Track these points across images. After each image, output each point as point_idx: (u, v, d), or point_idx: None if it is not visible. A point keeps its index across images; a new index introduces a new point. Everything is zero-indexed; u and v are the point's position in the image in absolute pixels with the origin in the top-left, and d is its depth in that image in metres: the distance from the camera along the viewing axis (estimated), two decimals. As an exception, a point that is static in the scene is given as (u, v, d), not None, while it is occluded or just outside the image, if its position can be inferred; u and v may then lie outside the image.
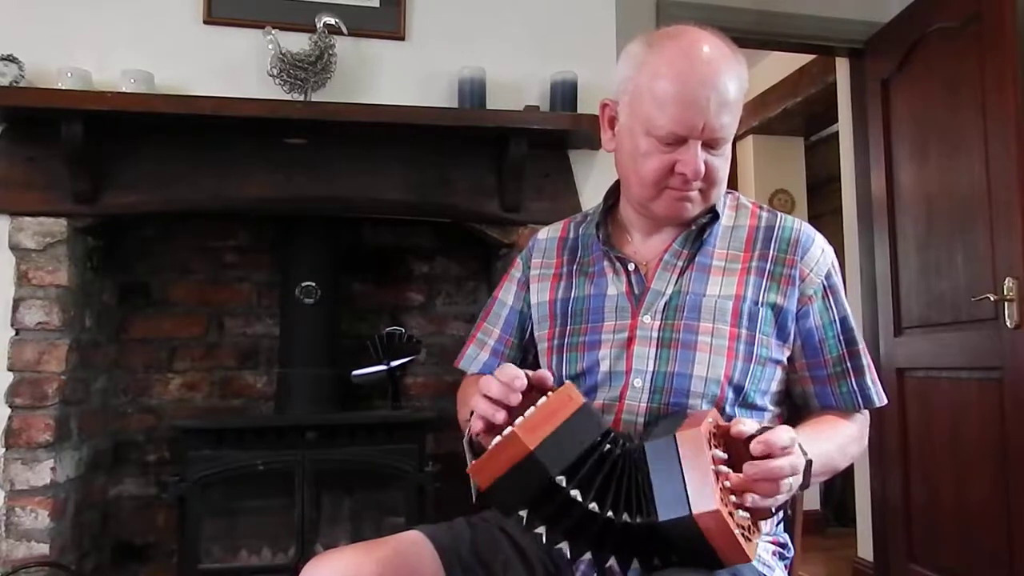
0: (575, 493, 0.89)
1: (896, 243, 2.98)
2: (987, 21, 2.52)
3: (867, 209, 3.18)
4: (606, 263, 1.22)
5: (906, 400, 2.90)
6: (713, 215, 1.18)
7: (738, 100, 1.10)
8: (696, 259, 1.17)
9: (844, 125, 3.43)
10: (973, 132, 2.57)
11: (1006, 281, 2.42)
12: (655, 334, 1.13)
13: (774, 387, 1.16)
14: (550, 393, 0.96)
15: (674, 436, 0.90)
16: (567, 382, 1.01)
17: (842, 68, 3.43)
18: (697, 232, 1.18)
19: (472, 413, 1.01)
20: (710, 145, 1.10)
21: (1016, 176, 2.39)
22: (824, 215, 4.86)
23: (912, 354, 2.89)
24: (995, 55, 2.48)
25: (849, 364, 1.17)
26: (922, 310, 2.84)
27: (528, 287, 1.30)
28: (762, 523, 0.97)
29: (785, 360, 1.16)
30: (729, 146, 1.14)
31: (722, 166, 1.13)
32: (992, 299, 2.46)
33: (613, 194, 1.27)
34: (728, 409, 1.11)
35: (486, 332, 1.33)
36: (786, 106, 4.34)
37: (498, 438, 0.90)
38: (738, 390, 1.11)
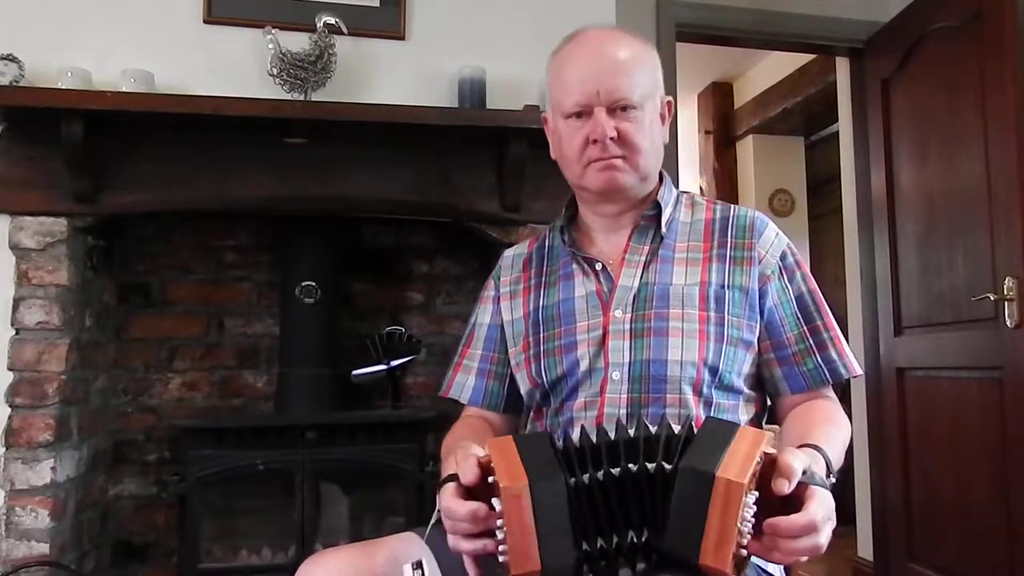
0: (602, 544, 0.87)
1: (896, 243, 2.98)
2: (987, 21, 2.52)
3: (867, 209, 3.18)
4: (575, 265, 1.25)
5: (906, 400, 2.91)
6: (656, 207, 1.22)
7: (634, 65, 1.18)
8: (659, 253, 1.21)
9: (844, 125, 3.43)
10: (973, 132, 2.57)
11: (1006, 281, 2.42)
12: (627, 326, 1.15)
13: (748, 369, 1.17)
14: (490, 479, 0.87)
15: (713, 476, 0.82)
16: (491, 449, 0.90)
17: (842, 68, 3.43)
18: (653, 227, 1.22)
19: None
20: (617, 110, 1.16)
21: (1016, 176, 2.39)
22: (824, 215, 4.87)
23: (912, 354, 2.89)
24: (995, 55, 2.48)
25: (811, 340, 1.18)
26: (922, 310, 2.84)
27: (500, 303, 1.32)
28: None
29: (756, 343, 1.18)
30: (645, 115, 1.18)
31: (637, 131, 1.16)
32: (992, 299, 2.46)
33: (573, 203, 1.31)
34: (706, 391, 1.13)
35: (471, 357, 1.33)
36: (786, 106, 4.34)
37: (502, 559, 0.85)
38: (714, 371, 1.13)
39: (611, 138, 1.15)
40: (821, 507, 0.85)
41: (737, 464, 0.82)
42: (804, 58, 3.98)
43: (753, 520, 0.83)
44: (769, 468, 0.85)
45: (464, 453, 0.96)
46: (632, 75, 1.16)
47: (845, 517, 3.54)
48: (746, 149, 4.93)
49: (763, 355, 1.19)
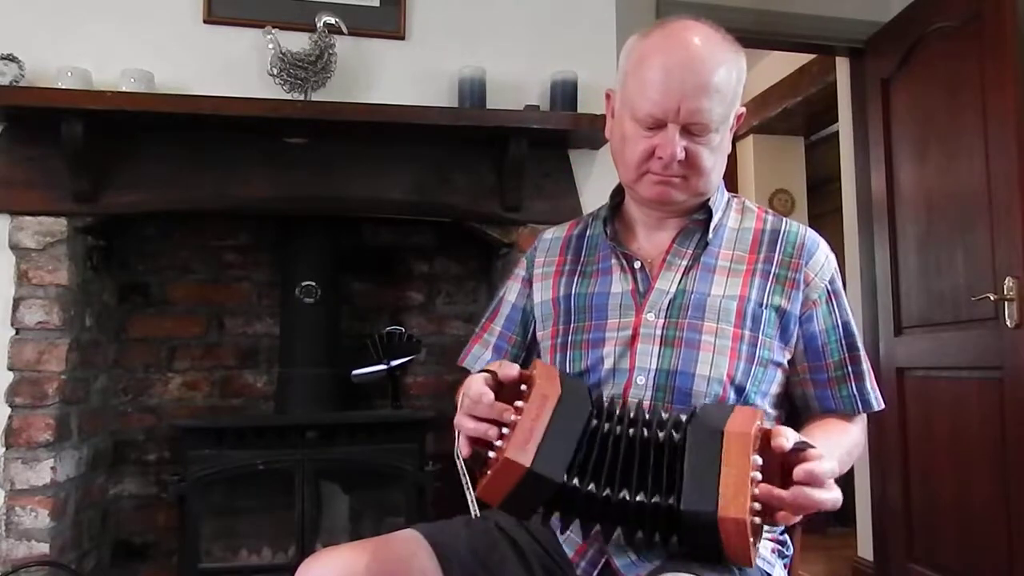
0: (591, 487, 0.91)
1: (896, 243, 2.98)
2: (987, 21, 2.52)
3: (867, 209, 3.18)
4: (613, 260, 1.22)
5: (906, 400, 2.90)
6: (707, 212, 1.18)
7: (723, 87, 1.10)
8: (701, 259, 1.17)
9: (844, 125, 3.43)
10: (973, 132, 2.57)
11: (1006, 281, 2.42)
12: (659, 332, 1.13)
13: (774, 389, 1.16)
14: (523, 387, 0.95)
15: (722, 431, 0.89)
16: (537, 367, 0.99)
17: (842, 68, 3.43)
18: (699, 231, 1.19)
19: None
20: (691, 131, 1.10)
21: (1016, 176, 2.39)
22: (824, 215, 4.86)
23: (912, 354, 2.89)
24: (995, 55, 2.48)
25: (850, 368, 1.17)
26: (922, 310, 2.84)
27: (531, 285, 1.30)
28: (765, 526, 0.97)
29: (786, 363, 1.17)
30: (718, 136, 1.13)
31: (705, 154, 1.12)
32: (992, 299, 2.45)
33: (619, 192, 1.27)
34: None
35: (491, 332, 1.33)
36: (786, 106, 4.34)
37: (492, 455, 0.91)
38: (739, 391, 1.11)
39: (678, 160, 1.10)
40: (825, 460, 0.92)
41: (740, 423, 0.91)
42: (804, 58, 3.98)
43: (760, 480, 0.88)
44: (765, 441, 0.92)
45: (505, 362, 1.01)
46: (718, 98, 1.09)
47: (845, 517, 3.55)
48: (746, 149, 4.93)
49: (798, 375, 1.18)
